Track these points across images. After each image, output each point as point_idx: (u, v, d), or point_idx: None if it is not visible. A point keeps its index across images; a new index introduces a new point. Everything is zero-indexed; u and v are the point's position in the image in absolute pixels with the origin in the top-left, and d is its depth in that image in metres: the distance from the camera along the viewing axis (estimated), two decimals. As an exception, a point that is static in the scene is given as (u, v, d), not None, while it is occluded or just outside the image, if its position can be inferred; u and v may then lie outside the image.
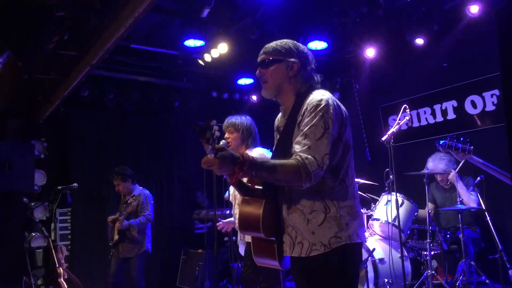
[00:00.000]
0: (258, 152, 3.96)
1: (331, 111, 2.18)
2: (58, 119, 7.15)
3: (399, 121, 4.95)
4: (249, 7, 5.70)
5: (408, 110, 4.86)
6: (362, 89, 7.12)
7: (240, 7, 5.64)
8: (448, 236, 5.26)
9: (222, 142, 4.21)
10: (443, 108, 6.37)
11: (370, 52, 6.24)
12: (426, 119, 6.57)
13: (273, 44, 2.41)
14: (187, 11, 5.73)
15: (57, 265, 6.20)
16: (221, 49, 6.19)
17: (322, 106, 2.18)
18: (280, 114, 2.52)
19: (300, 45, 2.43)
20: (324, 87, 2.38)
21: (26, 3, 3.98)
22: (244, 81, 7.78)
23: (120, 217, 5.55)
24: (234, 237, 5.97)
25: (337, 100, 2.29)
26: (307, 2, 5.76)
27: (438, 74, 6.37)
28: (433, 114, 6.49)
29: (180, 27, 6.07)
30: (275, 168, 2.12)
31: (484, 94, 5.90)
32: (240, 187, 2.39)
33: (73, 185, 5.84)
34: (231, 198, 4.24)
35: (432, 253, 5.04)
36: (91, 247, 7.29)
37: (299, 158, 2.10)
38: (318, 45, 6.14)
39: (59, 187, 5.87)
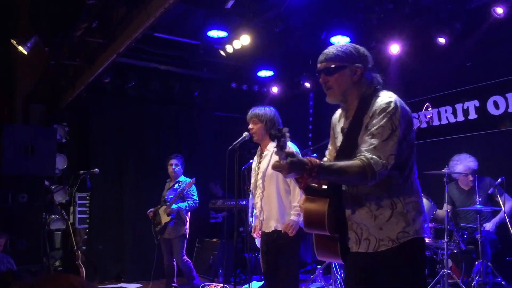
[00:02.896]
0: (275, 162, 3.99)
1: (399, 113, 2.23)
2: (80, 105, 7.24)
3: (420, 119, 4.95)
4: (274, 0, 5.70)
5: (430, 108, 4.86)
6: (383, 85, 7.08)
7: (265, 0, 5.66)
8: (465, 236, 5.27)
9: (244, 134, 4.29)
10: (465, 107, 6.34)
11: (394, 49, 6.22)
12: (447, 118, 6.55)
13: (333, 50, 2.42)
14: (212, 2, 5.75)
15: (75, 248, 6.33)
16: (243, 40, 6.19)
17: (390, 108, 2.23)
18: (338, 114, 2.57)
19: (359, 47, 2.44)
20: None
21: (58, -10, 4.05)
22: (264, 73, 7.80)
23: (167, 203, 5.96)
24: (250, 228, 6.08)
25: (402, 101, 2.33)
26: (332, -4, 5.76)
27: (461, 73, 6.33)
28: (454, 113, 6.46)
29: (203, 17, 6.10)
30: (342, 171, 2.18)
31: (507, 95, 5.86)
32: (306, 188, 2.42)
33: (94, 170, 5.94)
34: (252, 187, 4.28)
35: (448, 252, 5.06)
36: (108, 231, 7.41)
37: (364, 158, 2.16)
38: (341, 40, 6.13)
39: (81, 172, 5.97)
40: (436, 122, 6.64)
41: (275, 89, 8.25)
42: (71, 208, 6.82)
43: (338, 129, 2.54)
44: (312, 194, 2.37)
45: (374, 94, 2.36)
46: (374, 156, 2.16)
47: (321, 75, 2.43)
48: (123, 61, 7.12)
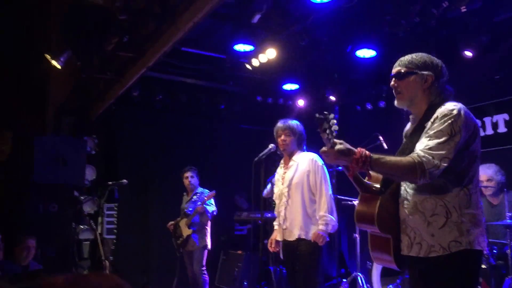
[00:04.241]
0: (308, 156, 4.05)
1: (461, 120, 2.26)
2: (109, 117, 7.41)
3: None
4: (300, 14, 5.77)
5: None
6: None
7: (291, 14, 5.73)
8: (495, 251, 5.17)
9: (270, 146, 4.34)
10: (494, 121, 6.25)
11: (419, 62, 6.20)
12: (475, 132, 6.47)
13: (408, 57, 2.51)
14: (238, 17, 5.85)
15: (103, 258, 6.43)
16: (269, 54, 6.27)
17: (452, 114, 2.27)
18: (408, 124, 2.64)
19: (434, 58, 2.51)
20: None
21: (91, 7, 4.20)
22: (289, 86, 7.85)
23: (190, 213, 6.06)
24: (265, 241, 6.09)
25: (469, 112, 2.36)
26: (357, 10, 5.78)
27: (489, 86, 6.26)
28: (483, 126, 6.38)
29: (230, 32, 6.20)
30: (391, 164, 2.26)
31: (538, 108, 5.77)
32: (358, 183, 2.49)
33: (123, 181, 6.04)
34: (274, 197, 4.30)
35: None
36: (135, 241, 7.52)
37: (416, 156, 2.22)
38: (366, 53, 6.16)
39: (109, 183, 6.09)
40: (464, 136, 6.56)
41: (301, 102, 8.29)
42: (99, 218, 6.94)
43: (404, 135, 2.61)
44: (367, 191, 2.46)
45: (441, 103, 2.39)
46: (426, 155, 2.20)
47: (392, 79, 2.51)
48: (151, 75, 7.27)
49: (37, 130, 7.30)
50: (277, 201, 4.24)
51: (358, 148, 2.26)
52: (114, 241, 7.31)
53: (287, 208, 4.03)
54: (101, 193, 6.67)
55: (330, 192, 4.01)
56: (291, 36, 6.04)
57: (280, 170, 4.24)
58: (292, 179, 4.02)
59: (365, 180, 2.49)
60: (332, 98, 7.74)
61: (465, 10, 4.93)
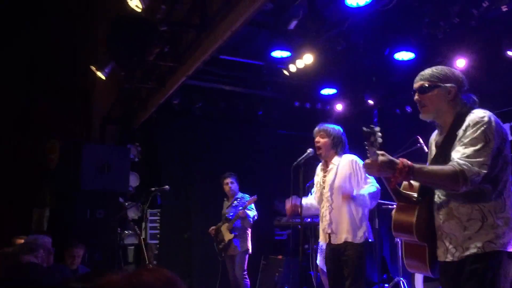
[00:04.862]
0: (348, 158, 4.04)
1: (493, 127, 2.33)
2: (151, 125, 7.63)
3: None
4: (336, 18, 5.78)
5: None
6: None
7: (327, 19, 5.75)
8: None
9: (308, 150, 4.35)
10: (539, 122, 6.06)
11: (460, 63, 6.09)
12: (517, 134, 6.28)
13: (429, 70, 2.57)
14: (275, 24, 5.92)
15: (147, 262, 6.61)
16: (306, 59, 6.29)
17: (484, 121, 2.33)
18: (435, 134, 2.69)
19: (454, 70, 2.60)
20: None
21: (134, 19, 4.37)
22: (327, 91, 7.84)
23: (232, 218, 6.13)
24: (315, 245, 6.09)
25: (497, 118, 2.42)
26: (395, 13, 5.74)
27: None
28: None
29: (267, 38, 6.28)
30: (433, 173, 2.32)
31: None
32: (396, 193, 2.55)
33: (165, 187, 6.21)
34: (317, 200, 4.28)
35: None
36: (177, 246, 7.68)
37: (456, 164, 2.27)
38: (405, 55, 6.10)
39: (152, 189, 6.27)
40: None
41: (339, 107, 8.26)
42: (143, 224, 7.15)
43: (433, 146, 2.64)
44: (403, 200, 2.50)
45: (469, 112, 2.45)
46: (466, 163, 2.25)
47: (416, 93, 2.56)
48: (191, 83, 7.43)
49: (83, 139, 7.60)
50: (320, 205, 4.23)
51: (400, 159, 2.32)
52: (158, 246, 7.50)
53: (331, 212, 4.02)
54: (145, 199, 6.87)
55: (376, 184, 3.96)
56: (328, 41, 6.05)
57: (320, 173, 4.24)
58: (333, 182, 4.02)
59: (402, 190, 2.54)
60: (371, 101, 7.69)
61: (506, 9, 4.82)
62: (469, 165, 2.24)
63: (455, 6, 4.99)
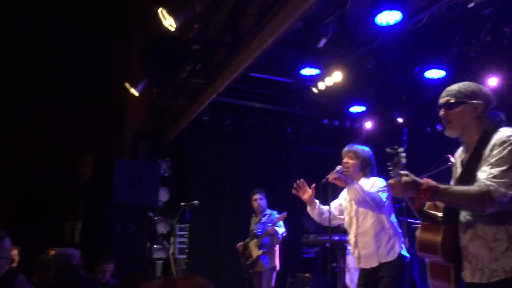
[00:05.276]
0: (373, 181, 4.00)
1: None
2: (181, 141, 7.76)
3: None
4: (366, 37, 5.81)
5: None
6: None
7: (357, 37, 5.78)
8: None
9: (338, 167, 4.34)
10: None
11: (492, 82, 6.02)
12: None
13: (456, 86, 2.54)
14: (305, 42, 5.98)
15: (175, 277, 6.67)
16: (335, 77, 6.31)
17: (511, 141, 2.28)
18: (460, 151, 2.64)
19: (482, 86, 2.55)
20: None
21: (168, 38, 4.50)
22: (356, 108, 7.81)
23: (260, 235, 6.13)
24: (342, 264, 6.03)
25: None
26: (425, 31, 5.74)
27: None
28: None
29: (296, 56, 6.34)
30: (459, 194, 2.28)
31: None
32: (420, 213, 2.53)
33: (194, 202, 6.29)
34: (346, 224, 4.25)
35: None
36: (205, 262, 7.72)
37: (483, 185, 2.22)
38: (435, 74, 6.06)
39: (181, 204, 6.35)
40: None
41: (368, 124, 8.23)
42: (172, 238, 7.23)
43: (458, 163, 2.59)
44: (428, 220, 2.47)
45: (495, 129, 2.40)
46: (494, 184, 2.20)
47: (441, 109, 2.53)
48: (221, 100, 7.54)
49: (116, 153, 7.79)
50: (348, 230, 4.20)
51: (425, 179, 2.28)
52: (186, 260, 7.56)
53: (358, 237, 3.98)
54: (174, 214, 6.97)
55: (384, 199, 3.79)
56: (357, 59, 6.08)
57: (347, 197, 4.19)
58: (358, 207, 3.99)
59: (427, 209, 2.50)
60: (400, 120, 7.64)
61: (539, 27, 4.77)
62: (496, 186, 2.19)
63: (487, 24, 4.96)
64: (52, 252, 5.58)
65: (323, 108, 8.27)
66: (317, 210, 4.21)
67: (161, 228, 7.39)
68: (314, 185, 4.16)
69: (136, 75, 6.47)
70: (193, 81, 5.61)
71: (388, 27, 4.86)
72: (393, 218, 4.00)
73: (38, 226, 7.52)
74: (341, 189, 4.41)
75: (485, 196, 2.19)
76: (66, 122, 8.03)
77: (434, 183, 2.26)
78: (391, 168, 2.33)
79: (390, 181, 2.35)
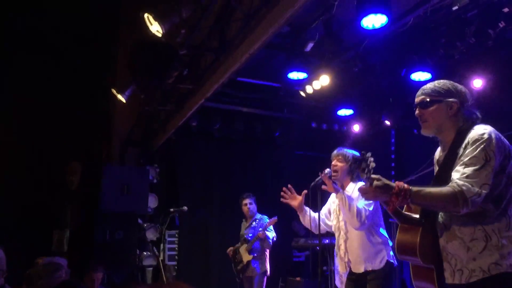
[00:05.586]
0: (361, 186, 3.98)
1: (493, 144, 2.25)
2: (170, 147, 7.73)
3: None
4: (352, 40, 5.84)
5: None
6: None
7: (343, 41, 5.81)
8: None
9: (326, 170, 4.34)
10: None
11: (477, 83, 6.09)
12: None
13: (431, 85, 2.53)
14: (292, 46, 6.00)
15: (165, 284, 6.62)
16: (323, 81, 6.32)
17: (484, 139, 2.26)
18: (439, 149, 2.63)
19: (458, 84, 2.53)
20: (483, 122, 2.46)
21: (154, 44, 4.49)
22: (344, 112, 7.84)
23: (251, 239, 6.13)
24: (333, 267, 6.03)
25: (500, 135, 2.34)
26: (411, 34, 5.79)
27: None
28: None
29: (283, 60, 6.36)
30: (431, 195, 2.24)
31: None
32: (398, 215, 2.50)
33: (183, 208, 6.27)
34: (333, 229, 4.24)
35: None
36: (195, 268, 7.69)
37: (455, 185, 2.20)
38: (421, 76, 6.10)
39: (171, 209, 6.32)
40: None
41: (356, 127, 8.27)
42: (161, 245, 7.18)
43: (437, 164, 2.59)
44: (406, 222, 2.45)
45: (470, 128, 2.38)
46: (466, 184, 2.18)
47: (417, 108, 2.53)
48: (209, 105, 7.53)
49: (104, 160, 7.73)
50: (336, 234, 4.19)
51: (397, 182, 2.25)
52: (176, 267, 7.51)
53: (347, 242, 3.97)
54: (163, 220, 6.93)
55: (369, 208, 3.77)
56: (344, 63, 6.12)
57: (336, 201, 4.18)
58: None
59: (404, 212, 2.49)
60: (387, 122, 7.69)
61: (523, 29, 4.83)
62: (469, 186, 2.17)
63: (471, 26, 5.02)
64: (40, 261, 5.53)
65: (311, 111, 8.29)
66: (308, 217, 4.19)
67: (151, 235, 7.34)
68: (305, 191, 4.14)
69: (123, 82, 6.44)
70: (180, 86, 5.60)
71: (374, 31, 4.89)
72: (381, 228, 3.99)
73: (25, 235, 7.43)
74: (330, 192, 4.41)
75: (458, 196, 2.16)
76: (53, 130, 7.96)
77: (405, 186, 2.23)
78: (360, 173, 2.33)
79: (361, 186, 2.33)
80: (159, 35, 4.03)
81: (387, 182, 2.26)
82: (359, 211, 3.73)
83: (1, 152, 7.73)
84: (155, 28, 4.04)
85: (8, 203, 7.66)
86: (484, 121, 2.47)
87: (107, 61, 7.91)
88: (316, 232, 4.14)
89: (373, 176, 2.26)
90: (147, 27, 4.08)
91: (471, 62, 5.81)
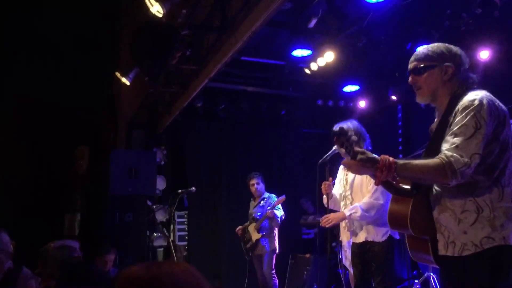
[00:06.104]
0: (344, 160, 3.98)
1: (485, 110, 2.12)
2: (176, 129, 7.75)
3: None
4: (356, 15, 5.76)
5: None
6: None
7: (347, 16, 5.73)
8: None
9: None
10: None
11: (484, 54, 6.00)
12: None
13: (424, 49, 2.40)
14: (295, 23, 5.93)
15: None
16: (328, 57, 6.26)
17: (474, 106, 2.13)
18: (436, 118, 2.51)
19: (452, 47, 2.38)
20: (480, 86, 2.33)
21: (156, 25, 4.45)
22: (349, 88, 7.80)
23: (259, 218, 6.15)
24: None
25: (494, 99, 2.22)
26: (415, 7, 5.69)
27: None
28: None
29: (287, 38, 6.29)
30: (418, 168, 2.15)
31: None
32: (388, 187, 2.42)
33: (191, 189, 6.28)
34: (338, 198, 4.27)
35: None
36: (205, 247, 7.78)
37: (443, 156, 2.09)
38: (427, 49, 6.03)
39: (179, 191, 6.35)
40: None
41: (362, 103, 8.20)
42: (171, 226, 7.25)
43: (429, 131, 2.48)
44: (398, 193, 2.37)
45: (464, 93, 2.25)
46: (454, 154, 2.07)
47: (410, 75, 2.41)
48: (213, 85, 7.50)
49: (111, 144, 7.76)
50: (342, 202, 4.22)
51: (382, 156, 2.15)
52: (186, 247, 7.59)
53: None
54: (172, 201, 6.97)
55: (380, 198, 3.81)
56: (349, 38, 6.03)
57: (342, 171, 4.23)
58: (353, 181, 4.01)
59: (396, 183, 2.39)
60: (394, 97, 7.62)
61: (531, -3, 4.73)
62: (457, 156, 2.05)
63: (477, -4, 4.92)
64: (52, 245, 5.60)
65: (317, 89, 8.23)
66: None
67: (160, 216, 7.40)
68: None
69: (127, 64, 6.42)
70: (184, 67, 5.58)
71: (378, 4, 4.83)
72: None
73: (37, 220, 7.53)
74: (337, 168, 4.42)
75: (446, 168, 2.05)
76: (60, 116, 7.99)
77: (391, 159, 2.13)
78: (339, 148, 2.24)
79: (345, 160, 2.24)
80: (160, 15, 4.00)
81: (372, 155, 2.16)
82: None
83: (11, 138, 7.79)
84: (156, 8, 4.01)
85: (19, 189, 7.76)
86: (492, 92, 2.31)
87: (110, 44, 7.89)
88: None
89: (357, 149, 2.17)
90: (148, 8, 4.05)
91: (477, 33, 5.71)
